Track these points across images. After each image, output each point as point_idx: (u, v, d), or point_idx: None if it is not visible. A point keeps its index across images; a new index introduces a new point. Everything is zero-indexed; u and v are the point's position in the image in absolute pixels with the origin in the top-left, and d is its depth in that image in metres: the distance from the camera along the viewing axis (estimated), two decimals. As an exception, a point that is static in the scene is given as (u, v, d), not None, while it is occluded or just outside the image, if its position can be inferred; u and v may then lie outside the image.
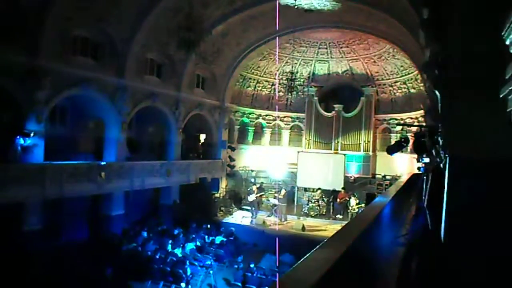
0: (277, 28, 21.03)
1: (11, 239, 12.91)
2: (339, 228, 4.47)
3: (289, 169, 27.71)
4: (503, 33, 2.23)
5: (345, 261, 2.91)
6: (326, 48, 26.88)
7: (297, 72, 26.93)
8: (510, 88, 2.35)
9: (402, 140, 10.30)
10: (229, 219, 21.53)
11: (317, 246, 3.07)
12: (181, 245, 15.72)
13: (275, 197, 22.09)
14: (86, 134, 18.48)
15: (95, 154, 18.18)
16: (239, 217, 21.46)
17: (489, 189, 3.44)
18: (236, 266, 14.59)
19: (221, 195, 24.26)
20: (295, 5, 19.27)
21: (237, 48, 24.17)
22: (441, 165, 5.06)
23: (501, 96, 2.52)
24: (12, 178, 13.39)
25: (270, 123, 30.21)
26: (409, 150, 21.85)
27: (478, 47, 3.48)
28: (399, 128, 26.51)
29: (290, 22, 22.30)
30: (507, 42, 2.23)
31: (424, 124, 18.26)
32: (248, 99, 29.00)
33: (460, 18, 3.75)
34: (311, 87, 28.83)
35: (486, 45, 3.32)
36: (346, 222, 12.18)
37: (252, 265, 13.58)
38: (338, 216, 22.08)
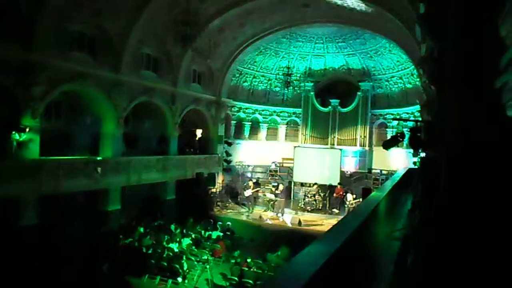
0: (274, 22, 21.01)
1: (7, 235, 12.88)
2: (336, 222, 4.49)
3: (286, 164, 27.80)
4: (498, 25, 2.24)
5: (341, 255, 2.93)
6: (323, 43, 26.89)
7: (293, 67, 26.92)
8: (505, 80, 2.36)
9: (398, 135, 10.31)
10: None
11: (314, 241, 3.09)
12: (178, 240, 15.74)
13: (271, 192, 22.12)
14: (82, 130, 18.40)
15: (92, 150, 18.13)
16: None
17: (486, 184, 3.46)
18: (233, 261, 14.62)
19: (218, 190, 24.28)
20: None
21: (234, 43, 24.11)
22: (437, 159, 5.08)
23: (496, 88, 2.53)
24: (8, 174, 13.36)
25: (267, 118, 30.25)
26: (405, 145, 21.96)
27: (474, 42, 3.49)
28: (395, 123, 26.59)
29: (287, 17, 22.25)
30: (502, 34, 2.24)
31: (420, 119, 18.34)
32: (244, 94, 28.98)
33: (455, 13, 3.75)
34: (307, 82, 28.84)
35: (482, 39, 3.33)
36: (342, 216, 12.23)
37: (249, 260, 13.62)
38: (335, 210, 22.17)
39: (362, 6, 18.87)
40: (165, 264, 13.19)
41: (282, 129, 30.78)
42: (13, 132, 14.27)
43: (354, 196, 20.97)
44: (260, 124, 30.21)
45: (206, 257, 14.26)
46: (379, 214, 5.84)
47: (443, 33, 4.23)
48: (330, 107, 28.88)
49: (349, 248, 3.29)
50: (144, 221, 17.81)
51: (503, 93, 2.46)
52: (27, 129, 14.43)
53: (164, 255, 13.76)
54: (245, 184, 23.90)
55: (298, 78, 27.88)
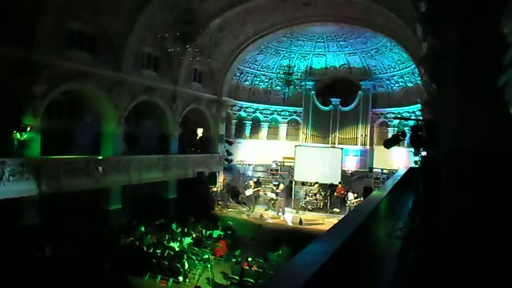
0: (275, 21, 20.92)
1: (8, 234, 12.88)
2: (336, 221, 4.48)
3: (287, 163, 27.78)
4: (501, 22, 2.22)
5: (342, 254, 2.92)
6: (324, 42, 26.84)
7: (294, 66, 26.89)
8: (508, 77, 2.35)
9: (399, 133, 10.29)
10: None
11: (314, 240, 3.08)
12: (179, 239, 15.74)
13: (272, 191, 22.10)
14: (83, 129, 18.39)
15: (92, 149, 18.12)
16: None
17: (487, 182, 3.45)
18: (234, 260, 14.63)
19: (219, 189, 24.28)
20: None
21: (235, 42, 24.09)
22: (438, 158, 5.07)
23: (498, 85, 2.51)
24: (9, 173, 13.36)
25: (268, 117, 30.24)
26: (406, 143, 21.95)
27: (475, 40, 3.47)
28: (396, 121, 26.59)
29: (287, 16, 22.22)
30: (504, 32, 2.23)
31: (421, 117, 18.32)
32: (245, 93, 28.97)
33: (456, 12, 3.74)
34: (308, 81, 28.82)
35: (483, 37, 3.32)
36: (343, 216, 12.23)
37: (250, 259, 13.62)
38: (336, 209, 22.14)
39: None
40: (166, 263, 13.19)
41: (283, 128, 30.78)
42: (15, 131, 14.27)
43: (356, 195, 20.95)
44: (261, 123, 30.20)
45: (207, 256, 14.26)
46: (380, 213, 5.83)
47: (444, 32, 4.21)
48: (331, 106, 28.88)
49: (350, 247, 3.28)
50: (145, 220, 17.82)
51: (506, 90, 2.45)
52: (28, 128, 14.43)
53: (165, 254, 13.77)
54: (246, 183, 23.89)
55: (299, 77, 27.86)
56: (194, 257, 13.83)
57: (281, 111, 30.48)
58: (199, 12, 15.01)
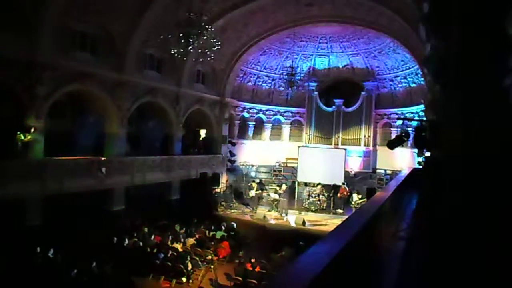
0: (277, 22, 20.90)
1: (12, 234, 12.92)
2: (340, 222, 4.47)
3: (290, 164, 27.76)
4: (505, 23, 2.21)
5: (346, 255, 2.91)
6: (327, 43, 26.82)
7: (297, 67, 26.85)
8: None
9: (403, 134, 10.27)
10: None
11: (318, 241, 3.07)
12: (182, 240, 15.76)
13: (276, 192, 22.09)
14: (86, 130, 18.43)
15: (96, 150, 18.16)
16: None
17: (489, 183, 3.43)
18: (237, 261, 14.63)
19: (222, 190, 24.28)
20: None
21: (237, 43, 24.10)
22: (441, 159, 5.05)
23: (504, 86, 2.50)
24: (12, 174, 13.41)
25: (271, 118, 30.22)
26: (409, 144, 21.90)
27: (477, 41, 3.46)
28: (399, 122, 26.51)
29: (290, 16, 22.22)
30: (510, 32, 2.22)
31: (424, 118, 18.28)
32: (248, 94, 28.97)
33: (458, 12, 3.72)
34: (311, 82, 28.80)
35: (485, 38, 3.30)
36: (346, 217, 12.22)
37: (253, 260, 13.62)
38: (339, 210, 22.10)
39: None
40: (170, 264, 13.21)
41: (286, 129, 30.76)
42: (18, 132, 14.33)
43: (360, 196, 20.92)
44: (264, 124, 30.18)
45: (210, 257, 14.27)
46: (384, 214, 5.81)
47: (447, 32, 4.20)
48: (334, 106, 28.83)
49: (354, 248, 3.27)
50: (149, 221, 17.84)
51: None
52: (32, 129, 14.48)
53: (168, 255, 13.78)
54: (248, 184, 23.90)
55: (302, 78, 27.84)
56: (197, 258, 13.85)
57: (284, 112, 30.47)
58: (202, 13, 15.03)
